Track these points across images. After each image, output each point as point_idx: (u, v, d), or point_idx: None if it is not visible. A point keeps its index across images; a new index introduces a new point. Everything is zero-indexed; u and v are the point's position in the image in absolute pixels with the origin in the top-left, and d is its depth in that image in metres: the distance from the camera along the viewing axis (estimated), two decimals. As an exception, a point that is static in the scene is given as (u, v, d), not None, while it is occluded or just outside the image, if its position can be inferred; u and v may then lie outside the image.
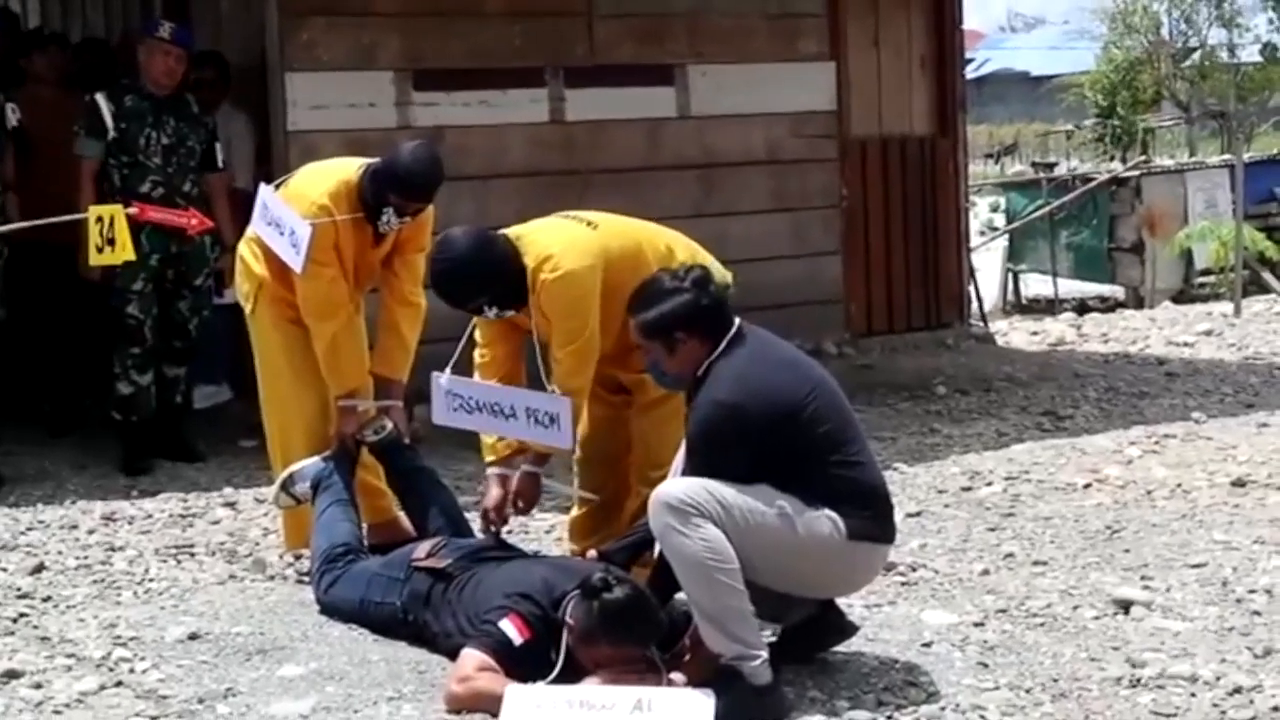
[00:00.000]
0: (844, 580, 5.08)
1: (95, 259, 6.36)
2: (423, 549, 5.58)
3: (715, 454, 4.81)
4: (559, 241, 5.70)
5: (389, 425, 6.32)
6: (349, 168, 6.26)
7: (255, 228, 6.35)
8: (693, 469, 4.85)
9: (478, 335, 5.91)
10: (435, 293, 5.75)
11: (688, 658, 4.90)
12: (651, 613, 4.84)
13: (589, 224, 5.81)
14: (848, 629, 5.22)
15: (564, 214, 5.98)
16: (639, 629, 4.82)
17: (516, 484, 5.75)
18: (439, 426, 5.95)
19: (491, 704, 4.71)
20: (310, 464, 6.25)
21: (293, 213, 6.12)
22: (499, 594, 5.07)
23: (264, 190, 6.36)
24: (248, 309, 6.47)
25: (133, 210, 6.52)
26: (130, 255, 6.40)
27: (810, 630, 5.16)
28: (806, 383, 4.94)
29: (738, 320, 5.05)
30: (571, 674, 4.83)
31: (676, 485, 4.81)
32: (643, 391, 5.83)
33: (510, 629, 4.91)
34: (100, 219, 6.32)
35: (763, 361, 4.94)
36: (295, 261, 6.10)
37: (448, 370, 5.82)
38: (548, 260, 5.63)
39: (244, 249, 6.49)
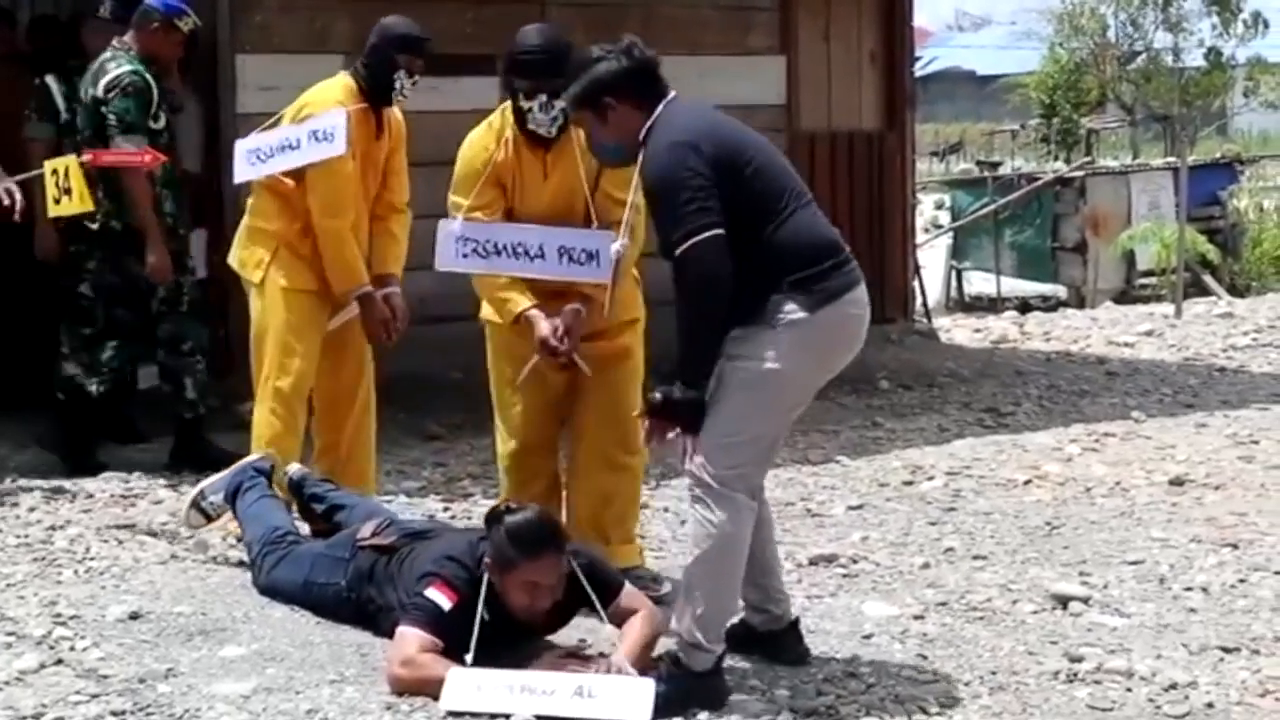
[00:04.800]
0: (840, 352, 5.13)
1: (54, 210, 6.45)
2: (367, 528, 5.58)
3: (679, 193, 4.70)
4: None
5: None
6: (338, 78, 6.60)
7: (265, 170, 6.45)
8: (657, 217, 4.78)
9: (468, 200, 5.79)
10: (530, 70, 5.80)
11: (626, 644, 4.92)
12: (555, 521, 5.12)
13: None
14: (801, 657, 5.17)
15: None
16: (549, 537, 4.95)
17: (564, 319, 5.62)
18: (444, 268, 5.84)
19: (434, 687, 4.72)
20: (220, 478, 6.26)
21: (313, 119, 6.34)
22: (429, 562, 5.11)
23: (248, 139, 6.53)
24: (255, 279, 6.52)
25: (86, 158, 6.59)
26: (89, 205, 6.60)
27: (767, 644, 5.17)
28: (748, 134, 4.98)
29: (673, 91, 5.03)
30: (504, 627, 4.89)
31: (709, 456, 4.72)
32: (604, 337, 5.79)
33: (438, 596, 4.93)
34: (55, 171, 6.36)
35: (705, 114, 5.00)
36: (336, 147, 6.29)
37: (459, 218, 5.77)
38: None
39: (249, 220, 6.60)
